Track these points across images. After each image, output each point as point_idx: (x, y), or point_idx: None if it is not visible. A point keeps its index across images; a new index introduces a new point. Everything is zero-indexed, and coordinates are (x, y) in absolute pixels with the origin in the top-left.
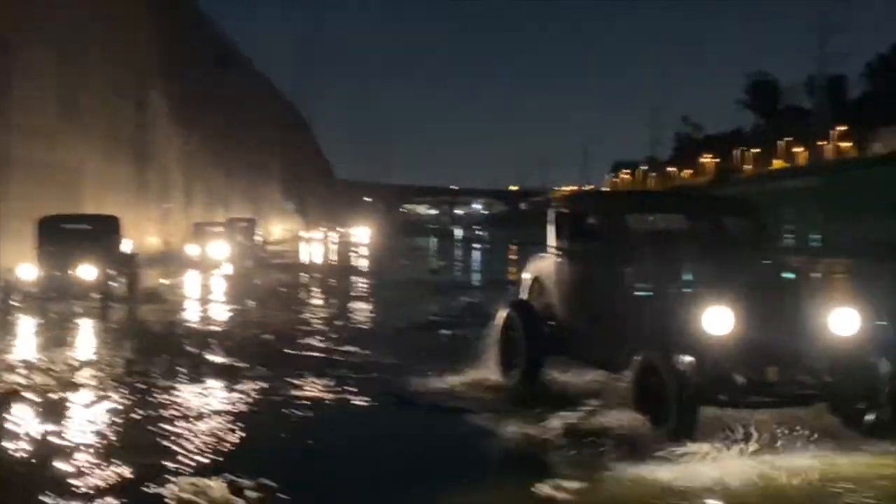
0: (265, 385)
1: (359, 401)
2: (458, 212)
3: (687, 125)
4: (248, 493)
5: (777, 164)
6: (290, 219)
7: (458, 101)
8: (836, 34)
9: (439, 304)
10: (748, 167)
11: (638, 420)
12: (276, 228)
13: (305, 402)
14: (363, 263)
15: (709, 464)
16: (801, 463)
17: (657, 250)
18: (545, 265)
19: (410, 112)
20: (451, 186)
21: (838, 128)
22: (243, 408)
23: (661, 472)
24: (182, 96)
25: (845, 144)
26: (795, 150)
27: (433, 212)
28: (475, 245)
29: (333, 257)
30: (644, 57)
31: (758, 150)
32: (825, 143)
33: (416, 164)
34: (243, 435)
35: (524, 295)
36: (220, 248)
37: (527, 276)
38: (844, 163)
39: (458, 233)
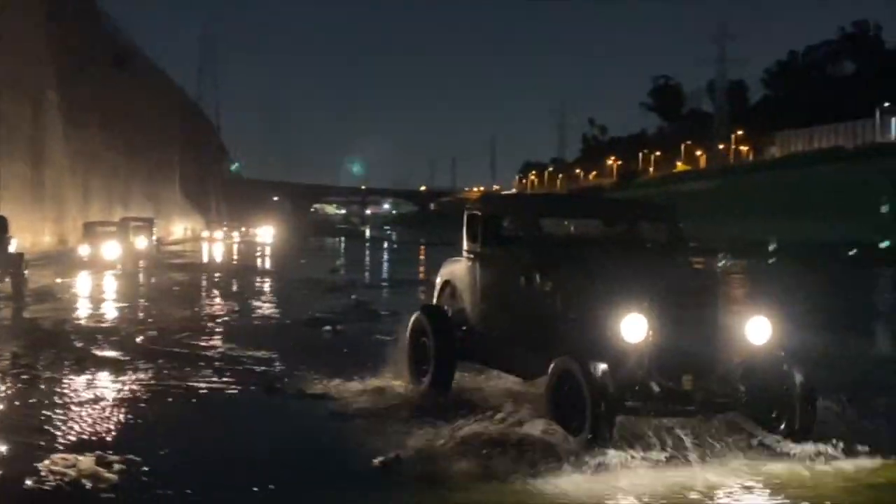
0: (143, 376)
1: (228, 391)
2: (368, 212)
3: (593, 127)
4: (115, 465)
5: (680, 166)
6: (193, 218)
7: (368, 100)
8: (735, 40)
9: (329, 303)
10: (652, 169)
11: (552, 429)
12: (179, 228)
13: (177, 391)
14: (263, 263)
15: (622, 474)
16: (715, 471)
17: (572, 255)
18: (458, 269)
19: (321, 112)
20: (361, 186)
21: (738, 132)
22: (120, 395)
23: (572, 484)
24: (80, 96)
25: (745, 148)
26: (697, 153)
27: (342, 211)
28: (384, 245)
29: (234, 257)
30: (553, 59)
31: (659, 153)
32: (724, 146)
33: (326, 164)
34: (117, 418)
35: (435, 299)
36: (112, 248)
37: (438, 279)
38: (738, 167)
39: (368, 233)
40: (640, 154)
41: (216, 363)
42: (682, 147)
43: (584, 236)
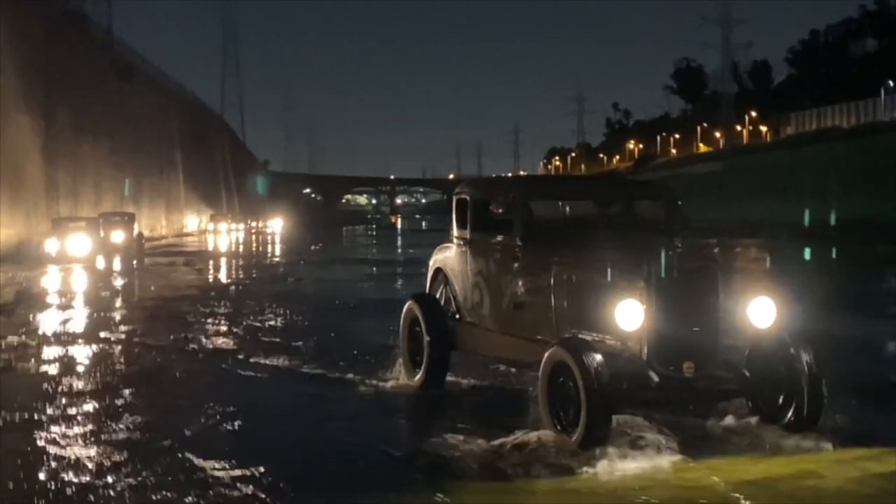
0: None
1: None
2: (399, 201)
3: (617, 111)
4: None
5: (703, 148)
6: (206, 213)
7: (392, 89)
8: (744, 22)
9: (260, 273)
10: (674, 152)
11: (546, 425)
12: (194, 221)
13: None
14: (245, 250)
15: (620, 474)
16: (718, 467)
17: (563, 238)
18: (448, 256)
19: (346, 102)
20: (390, 176)
21: (752, 113)
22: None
23: (568, 486)
24: (89, 108)
25: (764, 128)
26: (717, 134)
27: (374, 202)
28: (400, 232)
29: (224, 247)
30: (579, 43)
31: (678, 135)
32: (741, 127)
33: (356, 155)
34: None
35: (428, 287)
36: (80, 243)
37: (430, 266)
38: (741, 148)
39: (399, 223)
40: (659, 137)
41: (142, 313)
42: (699, 129)
43: (577, 218)
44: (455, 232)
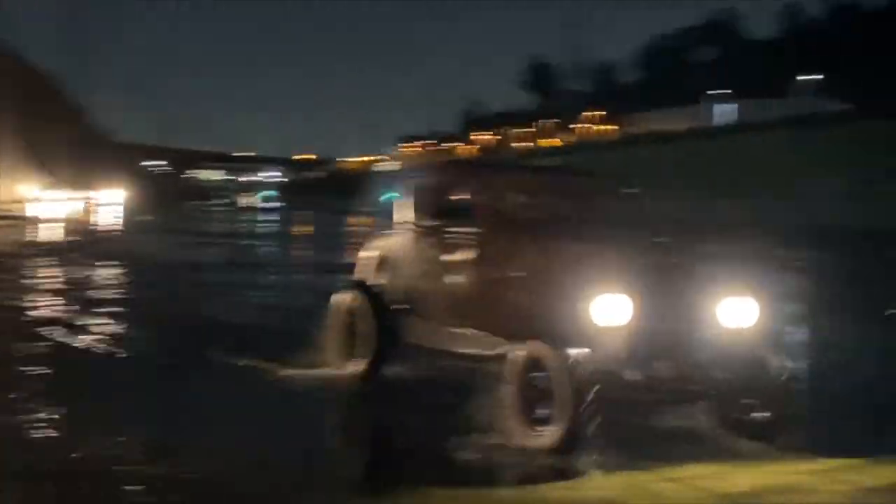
0: None
1: None
2: (245, 179)
3: (471, 102)
4: None
5: (541, 143)
6: (37, 182)
7: (245, 67)
8: (589, 26)
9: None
10: (524, 144)
11: (513, 425)
12: (27, 190)
13: None
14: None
15: (596, 479)
16: (688, 473)
17: (532, 228)
18: (395, 243)
19: (204, 79)
20: (236, 154)
21: (596, 112)
22: None
23: (542, 492)
24: None
25: (607, 127)
26: (559, 132)
27: (219, 177)
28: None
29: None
30: (433, 34)
31: (524, 129)
32: (588, 126)
33: (202, 130)
34: None
35: (367, 275)
36: None
37: (371, 254)
38: (583, 145)
39: (244, 200)
40: (506, 131)
41: None
42: (544, 125)
43: (543, 208)
44: (413, 217)
